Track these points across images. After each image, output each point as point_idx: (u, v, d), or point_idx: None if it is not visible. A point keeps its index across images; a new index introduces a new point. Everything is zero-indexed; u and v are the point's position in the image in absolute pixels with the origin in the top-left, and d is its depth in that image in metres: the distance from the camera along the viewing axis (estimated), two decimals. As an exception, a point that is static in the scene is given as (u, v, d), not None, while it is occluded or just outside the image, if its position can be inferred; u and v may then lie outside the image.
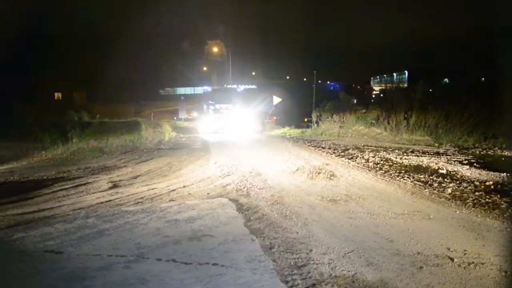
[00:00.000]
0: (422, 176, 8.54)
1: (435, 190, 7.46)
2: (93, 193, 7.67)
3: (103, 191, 7.80)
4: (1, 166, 11.41)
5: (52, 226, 5.70)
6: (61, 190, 8.06)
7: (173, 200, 6.92)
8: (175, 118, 26.34)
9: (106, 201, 6.97)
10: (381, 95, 31.82)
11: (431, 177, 8.40)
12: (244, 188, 7.73)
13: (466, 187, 7.53)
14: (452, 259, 4.42)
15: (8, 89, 17.70)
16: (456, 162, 10.21)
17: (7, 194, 7.93)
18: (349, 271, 4.09)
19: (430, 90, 19.15)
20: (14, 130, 16.79)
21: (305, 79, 27.10)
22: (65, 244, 4.96)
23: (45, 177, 9.43)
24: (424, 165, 9.78)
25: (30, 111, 19.86)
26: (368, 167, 9.82)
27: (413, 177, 8.46)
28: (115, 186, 8.26)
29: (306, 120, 20.55)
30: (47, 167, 10.78)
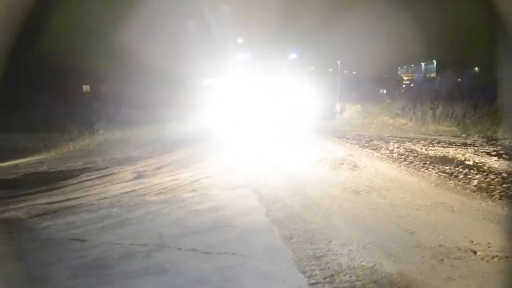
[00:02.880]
0: (447, 167, 8.36)
1: (460, 181, 7.29)
2: (117, 183, 7.82)
3: (128, 181, 7.94)
4: (31, 157, 11.75)
5: (77, 215, 5.87)
6: (87, 180, 8.26)
7: (194, 191, 6.99)
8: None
9: (130, 191, 7.11)
10: (411, 85, 31.21)
11: (456, 169, 8.21)
12: (265, 178, 7.74)
13: (493, 179, 7.33)
14: (475, 252, 4.33)
15: (37, 82, 18.11)
16: (483, 153, 9.94)
17: (36, 184, 8.18)
18: (368, 263, 4.06)
19: (459, 79, 18.66)
20: (44, 122, 17.26)
21: (330, 70, 26.74)
22: (89, 233, 5.11)
23: (72, 168, 9.66)
24: (450, 156, 9.56)
25: (59, 104, 20.35)
26: (392, 158, 9.67)
27: (438, 168, 8.29)
28: (139, 176, 8.40)
29: (331, 110, 20.28)
30: (74, 158, 11.04)
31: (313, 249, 4.39)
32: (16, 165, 10.07)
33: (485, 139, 12.33)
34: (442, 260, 4.16)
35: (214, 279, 3.76)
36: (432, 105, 15.25)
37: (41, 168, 9.81)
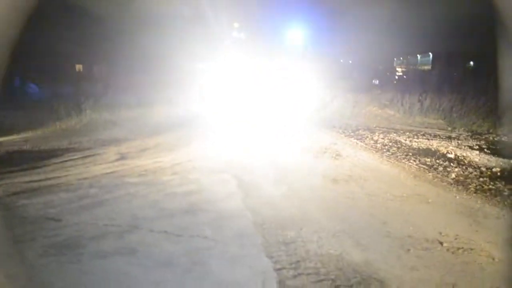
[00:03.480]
0: (428, 159, 8.45)
1: (439, 174, 7.39)
2: (100, 164, 7.83)
3: (110, 162, 7.96)
4: (16, 135, 11.69)
5: (55, 195, 5.90)
6: (69, 160, 8.26)
7: (175, 174, 7.03)
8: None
9: (110, 172, 7.13)
10: (404, 76, 31.24)
11: (437, 161, 8.30)
12: (249, 165, 7.78)
13: (471, 173, 7.44)
14: (441, 243, 4.42)
15: (27, 59, 17.89)
16: (466, 147, 10.04)
17: (18, 162, 8.17)
18: (335, 251, 4.13)
19: (455, 74, 18.69)
20: (32, 100, 17.12)
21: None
22: (65, 212, 5.14)
23: (56, 147, 9.65)
24: (433, 149, 9.65)
25: (50, 82, 20.15)
26: (376, 148, 9.75)
27: (419, 160, 8.37)
28: (122, 158, 8.42)
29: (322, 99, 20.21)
30: (60, 138, 11.01)
31: (284, 235, 4.46)
32: (-1, 143, 10.03)
33: (469, 133, 12.43)
34: (408, 250, 4.25)
35: (182, 261, 3.82)
36: (420, 97, 15.32)
37: (25, 147, 9.78)
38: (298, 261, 3.84)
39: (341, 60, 32.89)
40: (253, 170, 7.41)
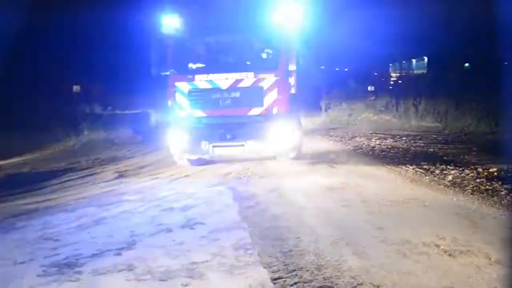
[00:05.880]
0: (425, 163, 8.48)
1: (435, 177, 7.42)
2: (98, 183, 7.89)
3: (108, 181, 8.02)
4: (15, 158, 11.76)
5: (53, 215, 5.95)
6: (68, 180, 8.34)
7: (172, 189, 7.07)
8: None
9: (108, 191, 7.19)
10: (399, 81, 31.43)
11: (434, 165, 8.34)
12: (244, 176, 7.84)
13: (468, 174, 7.47)
14: (438, 246, 4.42)
15: (25, 80, 18.01)
16: (463, 148, 10.10)
17: (18, 185, 8.24)
18: (333, 259, 4.14)
19: (451, 76, 18.72)
20: (30, 122, 17.20)
21: (322, 67, 26.63)
22: (63, 232, 5.19)
23: (55, 169, 9.72)
24: (429, 152, 9.71)
25: (47, 103, 20.26)
26: (373, 155, 9.79)
27: (416, 164, 8.41)
28: (120, 176, 8.49)
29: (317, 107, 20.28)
30: (58, 159, 11.10)
31: (281, 245, 4.46)
32: (-1, 166, 10.09)
33: (465, 135, 12.50)
34: (406, 255, 4.25)
35: (180, 275, 3.83)
36: (415, 102, 15.41)
37: (24, 169, 9.86)
38: (294, 270, 3.83)
39: (337, 68, 33.02)
40: (248, 181, 7.53)
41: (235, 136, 7.99)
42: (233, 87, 8.03)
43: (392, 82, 31.43)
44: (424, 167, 8.18)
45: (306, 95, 13.81)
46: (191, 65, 8.67)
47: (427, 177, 7.42)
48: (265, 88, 7.98)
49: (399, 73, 33.87)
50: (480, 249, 4.36)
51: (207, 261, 4.12)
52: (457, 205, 5.87)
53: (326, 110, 17.11)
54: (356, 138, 12.26)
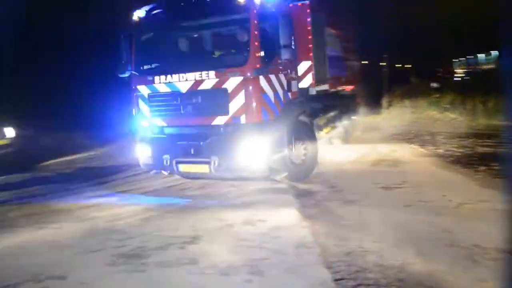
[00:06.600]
0: (495, 164, 7.99)
1: (509, 180, 6.96)
2: (161, 178, 8.16)
3: (169, 176, 8.26)
4: (84, 153, 12.49)
5: (121, 208, 6.25)
6: (133, 175, 8.71)
7: (234, 186, 7.18)
8: None
9: (171, 186, 7.46)
10: (465, 77, 29.95)
11: (506, 166, 7.83)
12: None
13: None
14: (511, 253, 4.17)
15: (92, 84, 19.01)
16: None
17: (87, 178, 8.73)
18: (396, 261, 4.02)
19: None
20: (97, 121, 18.11)
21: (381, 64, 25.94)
22: (131, 224, 5.44)
23: (120, 164, 10.19)
24: (499, 153, 9.14)
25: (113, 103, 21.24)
26: (437, 154, 9.39)
27: (486, 166, 7.96)
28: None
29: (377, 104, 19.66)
30: (123, 154, 11.60)
31: (343, 245, 4.40)
32: (70, 161, 10.75)
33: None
34: (476, 261, 4.05)
35: (241, 270, 3.90)
36: (483, 99, 14.56)
37: (93, 164, 10.43)
38: (357, 271, 3.77)
39: (396, 65, 31.99)
40: (309, 180, 7.41)
41: (199, 151, 6.42)
42: (193, 91, 6.43)
43: (457, 79, 30.01)
44: (495, 168, 7.71)
45: (365, 92, 13.44)
46: (152, 65, 7.17)
47: (498, 179, 6.99)
48: (229, 90, 6.21)
49: (465, 68, 32.24)
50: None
51: (268, 258, 4.16)
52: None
53: (387, 108, 16.59)
54: (420, 137, 11.82)
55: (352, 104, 11.32)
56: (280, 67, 6.79)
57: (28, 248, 4.91)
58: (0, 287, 3.95)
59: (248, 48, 6.17)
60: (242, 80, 6.13)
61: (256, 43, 6.14)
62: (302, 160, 7.26)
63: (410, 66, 30.64)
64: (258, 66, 6.18)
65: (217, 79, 6.25)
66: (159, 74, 6.70)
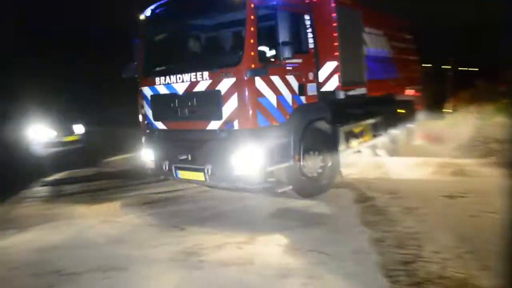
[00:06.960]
0: None
1: None
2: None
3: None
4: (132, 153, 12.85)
5: (178, 206, 6.48)
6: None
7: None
8: None
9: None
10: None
11: None
12: (365, 179, 7.62)
13: None
14: None
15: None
16: None
17: (143, 176, 8.96)
18: (461, 274, 3.84)
19: None
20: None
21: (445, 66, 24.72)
22: (188, 222, 5.61)
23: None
24: None
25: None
26: (505, 163, 8.84)
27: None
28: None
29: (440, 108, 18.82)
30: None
31: (403, 254, 4.27)
32: (126, 158, 11.12)
33: None
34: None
35: (298, 274, 3.89)
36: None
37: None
38: (418, 283, 3.64)
39: (461, 68, 30.44)
40: (369, 185, 7.23)
41: (194, 157, 6.06)
42: (188, 92, 6.05)
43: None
44: None
45: (428, 96, 12.84)
46: (152, 65, 6.86)
47: None
48: (222, 92, 5.69)
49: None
50: None
51: (325, 263, 4.12)
52: None
53: (452, 112, 15.84)
54: (486, 144, 11.17)
55: (409, 110, 10.65)
56: (289, 68, 6.09)
57: (90, 240, 5.17)
58: (66, 273, 4.19)
59: (243, 46, 5.61)
60: (235, 82, 5.58)
61: (252, 41, 5.52)
62: (318, 173, 6.54)
63: (476, 69, 29.01)
64: (253, 66, 5.54)
65: (211, 80, 5.80)
66: (158, 75, 6.49)
